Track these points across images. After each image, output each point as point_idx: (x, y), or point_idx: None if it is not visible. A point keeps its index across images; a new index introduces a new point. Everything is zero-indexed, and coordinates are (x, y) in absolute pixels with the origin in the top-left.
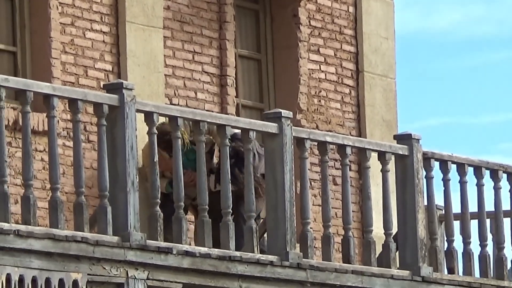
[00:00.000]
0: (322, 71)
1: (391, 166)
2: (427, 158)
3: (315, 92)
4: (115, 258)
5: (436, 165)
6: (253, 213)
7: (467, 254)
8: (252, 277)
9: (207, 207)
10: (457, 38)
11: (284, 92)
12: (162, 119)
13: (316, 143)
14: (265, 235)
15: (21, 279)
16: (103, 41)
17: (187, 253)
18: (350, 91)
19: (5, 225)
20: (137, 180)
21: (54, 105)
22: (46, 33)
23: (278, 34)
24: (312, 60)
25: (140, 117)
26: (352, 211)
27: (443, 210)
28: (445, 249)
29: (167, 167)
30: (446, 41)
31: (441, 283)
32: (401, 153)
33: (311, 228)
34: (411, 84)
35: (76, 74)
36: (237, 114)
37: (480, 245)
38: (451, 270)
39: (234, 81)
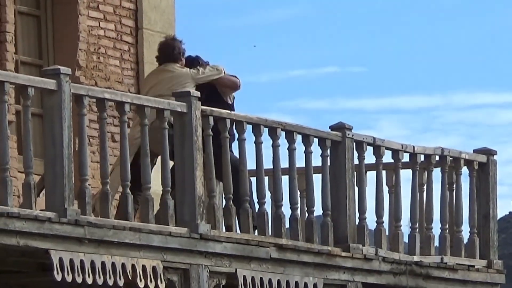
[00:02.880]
0: (102, 28)
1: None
2: (205, 116)
3: (94, 49)
4: None
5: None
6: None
7: (244, 211)
8: (30, 234)
9: None
10: None
11: (64, 49)
12: None
13: (94, 100)
14: (43, 191)
15: None
16: None
17: None
18: (129, 48)
19: None
20: None
21: None
22: None
23: None
24: (92, 17)
25: None
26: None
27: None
28: (223, 206)
29: None
30: None
31: (219, 241)
32: (180, 110)
33: (89, 185)
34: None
35: None
36: (16, 70)
37: (258, 202)
38: (229, 228)
39: (13, 37)
